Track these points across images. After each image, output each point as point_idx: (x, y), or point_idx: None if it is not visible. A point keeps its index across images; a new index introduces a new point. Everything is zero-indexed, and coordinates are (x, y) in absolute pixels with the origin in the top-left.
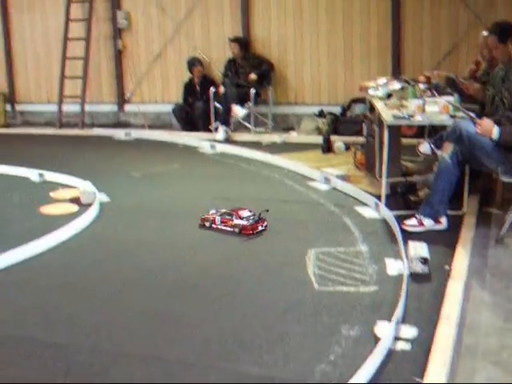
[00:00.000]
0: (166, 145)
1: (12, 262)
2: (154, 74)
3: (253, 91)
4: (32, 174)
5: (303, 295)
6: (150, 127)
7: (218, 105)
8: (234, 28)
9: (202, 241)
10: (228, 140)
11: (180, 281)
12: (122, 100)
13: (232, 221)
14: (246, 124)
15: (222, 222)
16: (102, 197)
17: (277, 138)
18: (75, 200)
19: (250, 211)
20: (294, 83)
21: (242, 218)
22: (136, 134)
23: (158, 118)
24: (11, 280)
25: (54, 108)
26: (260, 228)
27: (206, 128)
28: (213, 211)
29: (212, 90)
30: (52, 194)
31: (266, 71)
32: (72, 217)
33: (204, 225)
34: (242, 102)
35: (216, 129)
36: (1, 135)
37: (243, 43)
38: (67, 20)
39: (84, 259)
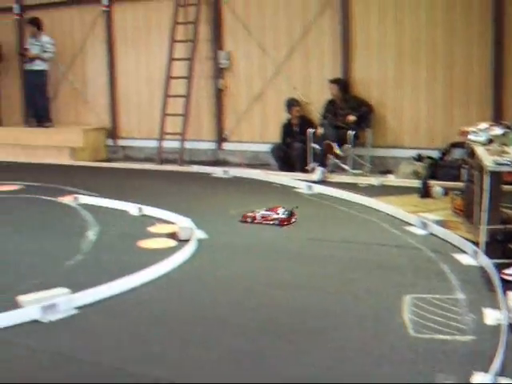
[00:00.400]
0: (263, 184)
1: (110, 295)
2: (253, 114)
3: (351, 133)
4: (131, 208)
5: (399, 341)
6: (248, 166)
7: (315, 146)
8: (333, 69)
9: (297, 278)
10: (324, 181)
11: (275, 320)
12: (220, 138)
13: (271, 216)
14: (343, 166)
15: (262, 217)
16: (200, 233)
17: (374, 180)
18: (173, 235)
19: (284, 207)
20: (393, 126)
21: (278, 214)
22: (234, 172)
23: (255, 157)
24: (108, 312)
25: (154, 144)
26: (293, 220)
27: (302, 168)
28: (250, 212)
29: (310, 130)
30: (150, 229)
31: (365, 113)
32: (169, 252)
33: (246, 221)
34: (340, 143)
35: (313, 169)
36: (102, 169)
37: (343, 84)
38: (170, 59)
39: (180, 295)
